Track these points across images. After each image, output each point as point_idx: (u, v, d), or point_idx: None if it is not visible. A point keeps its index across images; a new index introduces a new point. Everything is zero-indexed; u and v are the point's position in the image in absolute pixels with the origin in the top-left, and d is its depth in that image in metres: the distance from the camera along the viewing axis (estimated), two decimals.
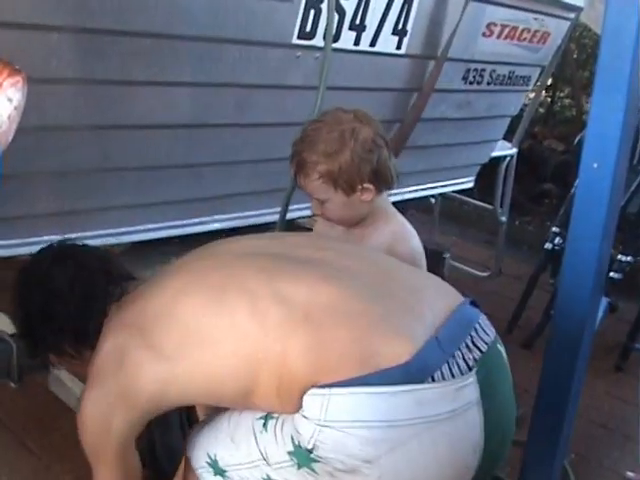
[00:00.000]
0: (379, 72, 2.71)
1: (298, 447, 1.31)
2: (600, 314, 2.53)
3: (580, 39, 6.54)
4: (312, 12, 2.29)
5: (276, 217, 2.49)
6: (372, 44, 2.58)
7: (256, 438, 1.41)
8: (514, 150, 4.08)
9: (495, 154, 3.94)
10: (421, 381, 1.27)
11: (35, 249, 2.07)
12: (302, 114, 2.26)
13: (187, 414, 2.51)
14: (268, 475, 1.40)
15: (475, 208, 4.52)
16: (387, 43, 2.64)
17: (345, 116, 1.81)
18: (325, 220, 1.97)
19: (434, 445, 1.28)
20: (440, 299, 1.46)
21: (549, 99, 7.03)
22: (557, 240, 3.64)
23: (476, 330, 1.40)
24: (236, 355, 1.38)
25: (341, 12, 2.37)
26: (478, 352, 1.36)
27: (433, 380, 1.27)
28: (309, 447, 1.29)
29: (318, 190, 1.83)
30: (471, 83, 3.22)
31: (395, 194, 2.78)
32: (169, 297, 1.49)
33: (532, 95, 4.42)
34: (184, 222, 2.38)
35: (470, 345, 1.36)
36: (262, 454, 1.39)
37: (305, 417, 1.29)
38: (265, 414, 1.42)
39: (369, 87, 2.73)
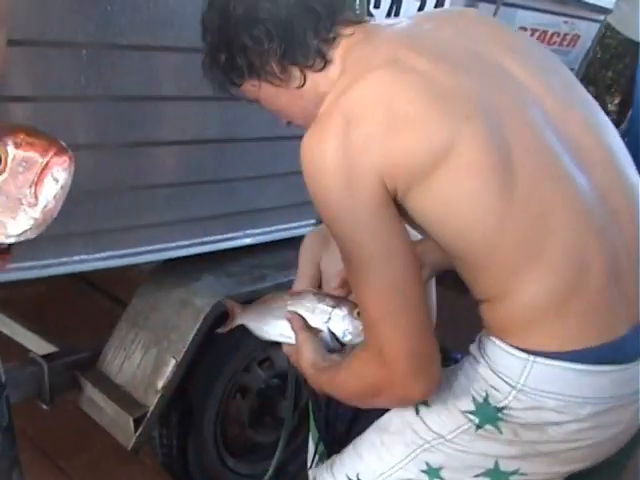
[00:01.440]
0: None
1: (485, 404, 1.26)
2: None
3: (603, 39, 6.46)
4: None
5: (307, 230, 2.44)
6: None
7: (413, 424, 1.34)
8: None
9: None
10: (619, 362, 1.24)
11: (66, 269, 2.07)
12: None
13: (221, 430, 2.49)
14: (428, 463, 1.34)
15: None
16: None
17: None
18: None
19: (617, 421, 1.29)
20: None
21: None
22: None
23: None
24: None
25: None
26: None
27: (631, 362, 1.25)
28: (500, 406, 1.25)
29: None
30: None
31: None
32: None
33: None
34: (216, 238, 2.34)
35: None
36: (425, 436, 1.33)
37: (502, 377, 1.24)
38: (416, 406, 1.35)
39: None
